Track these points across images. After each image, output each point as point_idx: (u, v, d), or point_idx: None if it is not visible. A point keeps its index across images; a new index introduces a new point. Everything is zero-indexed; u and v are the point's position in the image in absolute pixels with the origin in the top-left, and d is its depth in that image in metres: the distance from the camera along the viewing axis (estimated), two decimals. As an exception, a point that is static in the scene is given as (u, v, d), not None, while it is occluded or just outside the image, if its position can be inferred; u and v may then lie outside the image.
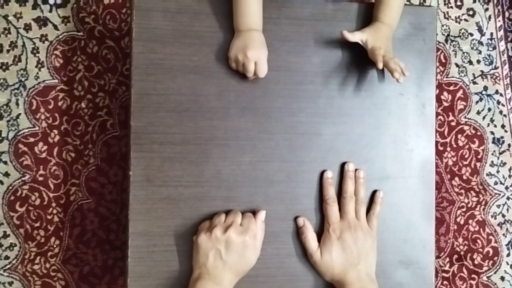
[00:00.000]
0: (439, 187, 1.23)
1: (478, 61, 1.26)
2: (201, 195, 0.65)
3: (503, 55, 1.27)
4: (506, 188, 1.27)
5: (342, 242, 0.63)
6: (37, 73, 1.07)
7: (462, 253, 1.23)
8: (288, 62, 0.67)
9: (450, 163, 1.24)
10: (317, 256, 0.64)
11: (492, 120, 1.27)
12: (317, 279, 0.66)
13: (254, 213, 0.64)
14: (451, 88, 1.25)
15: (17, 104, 1.06)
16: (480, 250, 1.24)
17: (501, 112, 1.27)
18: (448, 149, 1.24)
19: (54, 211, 1.07)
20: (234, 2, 0.63)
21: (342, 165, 0.68)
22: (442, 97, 1.24)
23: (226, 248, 0.59)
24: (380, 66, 0.61)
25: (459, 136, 1.25)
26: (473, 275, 1.24)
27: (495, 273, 1.25)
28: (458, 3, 1.26)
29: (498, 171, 1.26)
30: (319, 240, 0.65)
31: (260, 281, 0.65)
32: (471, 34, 1.26)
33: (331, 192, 0.66)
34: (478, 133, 1.26)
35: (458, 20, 1.26)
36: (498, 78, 1.27)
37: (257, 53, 0.62)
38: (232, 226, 0.60)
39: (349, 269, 0.62)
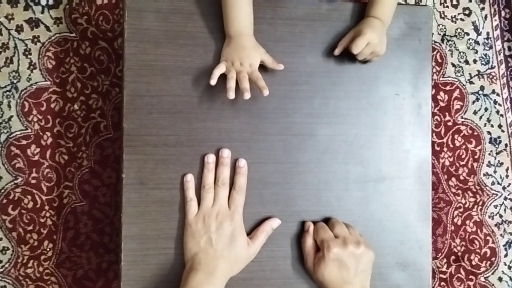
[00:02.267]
0: (436, 187, 1.22)
1: (475, 61, 1.26)
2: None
3: (499, 54, 1.27)
4: (503, 188, 1.26)
5: (339, 262, 0.60)
6: (29, 74, 1.06)
7: (459, 254, 1.23)
8: (283, 62, 0.66)
9: (447, 163, 1.23)
10: (310, 269, 0.63)
11: (489, 120, 1.26)
12: (312, 282, 0.65)
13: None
14: (448, 88, 1.24)
15: (9, 106, 1.05)
16: (478, 251, 1.24)
17: (497, 112, 1.27)
18: (445, 149, 1.23)
19: (47, 214, 1.05)
20: (224, 6, 0.61)
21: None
22: (439, 97, 1.24)
23: (216, 233, 0.60)
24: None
25: (455, 136, 1.24)
26: (470, 276, 1.23)
27: (492, 273, 1.25)
28: (454, 2, 1.26)
29: (495, 171, 1.26)
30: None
31: (255, 284, 0.65)
32: (467, 34, 1.26)
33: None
34: (475, 133, 1.25)
35: (454, 19, 1.26)
36: (495, 77, 1.26)
37: (252, 57, 0.61)
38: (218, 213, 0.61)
39: (343, 285, 0.60)
